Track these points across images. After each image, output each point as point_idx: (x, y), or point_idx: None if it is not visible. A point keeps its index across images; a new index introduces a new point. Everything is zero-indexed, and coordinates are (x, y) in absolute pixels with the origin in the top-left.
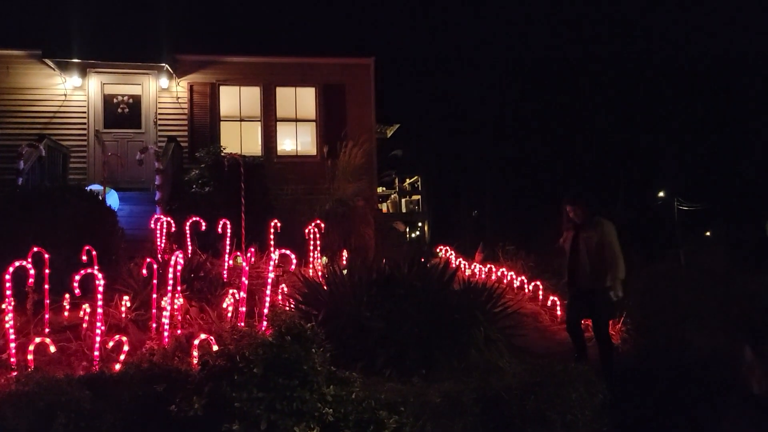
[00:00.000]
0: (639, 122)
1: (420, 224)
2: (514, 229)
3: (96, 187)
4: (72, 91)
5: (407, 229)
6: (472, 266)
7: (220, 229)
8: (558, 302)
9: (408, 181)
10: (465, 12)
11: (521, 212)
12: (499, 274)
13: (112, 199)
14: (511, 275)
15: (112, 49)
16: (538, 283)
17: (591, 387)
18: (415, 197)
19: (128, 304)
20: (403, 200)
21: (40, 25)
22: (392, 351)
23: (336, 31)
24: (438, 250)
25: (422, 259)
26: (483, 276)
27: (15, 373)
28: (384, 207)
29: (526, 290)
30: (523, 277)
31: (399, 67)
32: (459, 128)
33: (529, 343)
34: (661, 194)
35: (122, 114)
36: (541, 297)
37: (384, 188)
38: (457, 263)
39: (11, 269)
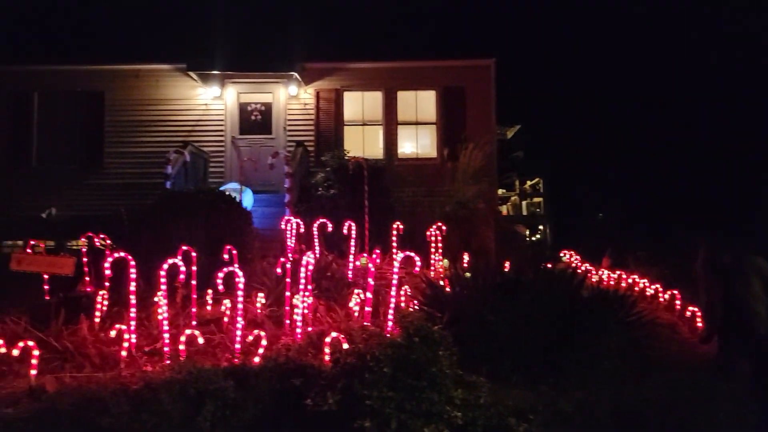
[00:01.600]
0: None
1: (541, 227)
2: (645, 233)
3: (232, 186)
4: (211, 100)
5: (528, 232)
6: (600, 272)
7: (345, 231)
8: (698, 313)
9: (529, 183)
10: (588, 7)
11: (652, 214)
12: (629, 281)
13: (247, 198)
14: (644, 283)
15: (248, 61)
16: (675, 292)
17: (741, 407)
18: (537, 199)
19: (263, 301)
20: (523, 202)
21: (183, 41)
22: (518, 357)
23: (456, 33)
24: (562, 255)
25: (548, 264)
26: (612, 283)
27: (168, 362)
28: (504, 209)
29: (661, 299)
30: (658, 285)
31: (521, 67)
32: (583, 128)
33: (665, 356)
34: None
35: (255, 121)
36: (678, 307)
37: (504, 190)
38: (584, 269)
39: (165, 266)
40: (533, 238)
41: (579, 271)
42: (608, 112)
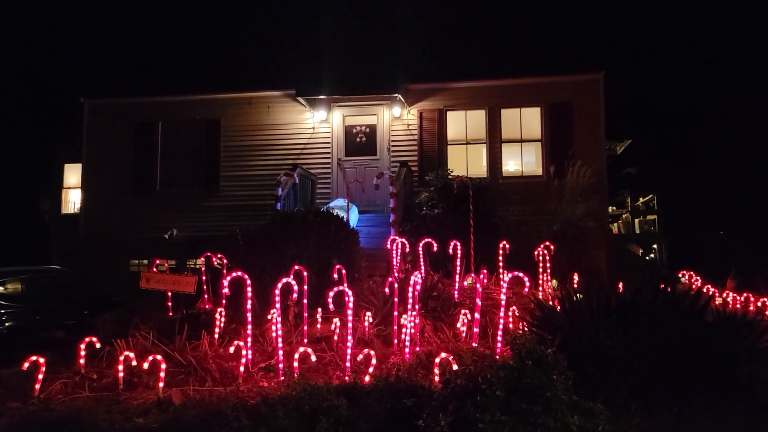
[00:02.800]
0: None
1: (654, 246)
2: None
3: (338, 203)
4: (318, 124)
5: (641, 252)
6: (724, 294)
7: (450, 250)
8: None
9: (642, 199)
10: (698, 16)
11: None
12: (759, 304)
13: (353, 215)
14: None
15: (353, 85)
16: None
17: None
18: (650, 217)
19: (371, 320)
20: (636, 220)
21: (291, 68)
22: (637, 383)
23: (561, 47)
24: (680, 276)
25: (668, 287)
26: (738, 306)
27: (282, 378)
28: (615, 228)
29: None
30: None
31: (631, 78)
32: (700, 140)
33: None
34: None
35: (360, 143)
36: None
37: (614, 208)
38: (705, 291)
39: (279, 285)
40: (646, 258)
41: (703, 293)
42: (728, 122)
